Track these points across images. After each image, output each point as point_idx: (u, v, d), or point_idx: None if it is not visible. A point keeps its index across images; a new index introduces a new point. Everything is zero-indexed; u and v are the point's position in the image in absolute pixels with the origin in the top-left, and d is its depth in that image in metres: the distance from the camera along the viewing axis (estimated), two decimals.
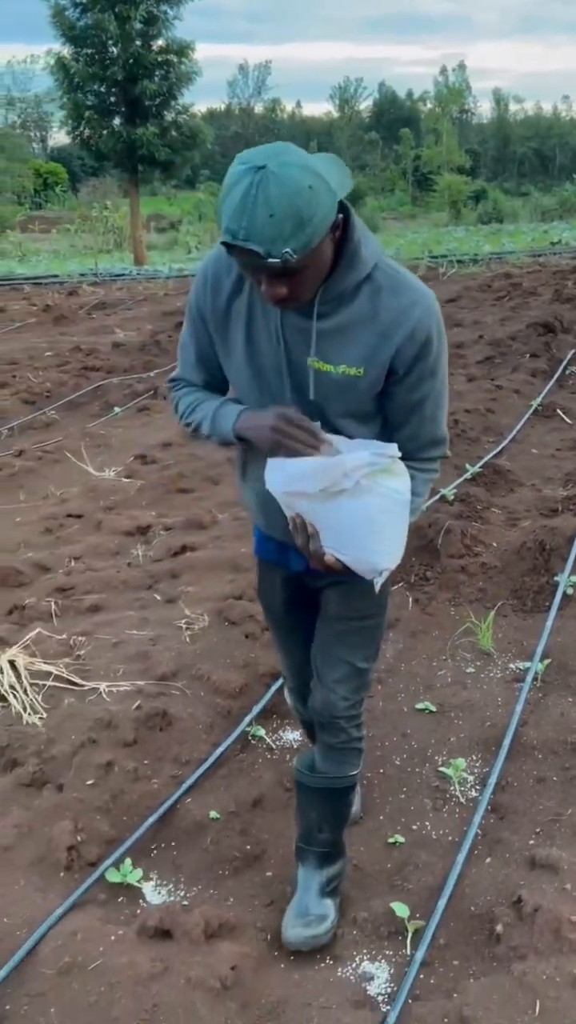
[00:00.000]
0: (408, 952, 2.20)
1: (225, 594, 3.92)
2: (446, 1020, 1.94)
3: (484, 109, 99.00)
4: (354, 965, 2.20)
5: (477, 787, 2.84)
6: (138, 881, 2.44)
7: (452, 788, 2.84)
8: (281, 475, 1.80)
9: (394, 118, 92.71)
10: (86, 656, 3.52)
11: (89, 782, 2.72)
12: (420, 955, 2.14)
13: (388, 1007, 2.02)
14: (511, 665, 3.56)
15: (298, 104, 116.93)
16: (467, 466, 5.35)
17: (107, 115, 26.80)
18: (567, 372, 7.72)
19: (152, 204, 49.12)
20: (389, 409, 1.90)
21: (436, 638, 3.81)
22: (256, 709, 3.18)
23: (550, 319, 9.00)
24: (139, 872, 2.45)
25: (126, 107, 26.65)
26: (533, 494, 5.14)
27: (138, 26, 25.86)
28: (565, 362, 7.89)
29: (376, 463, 1.76)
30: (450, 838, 2.62)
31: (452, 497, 4.81)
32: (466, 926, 2.26)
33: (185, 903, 2.37)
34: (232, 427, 1.88)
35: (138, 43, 26.08)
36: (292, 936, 2.22)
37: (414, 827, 2.69)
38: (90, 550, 4.73)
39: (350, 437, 1.85)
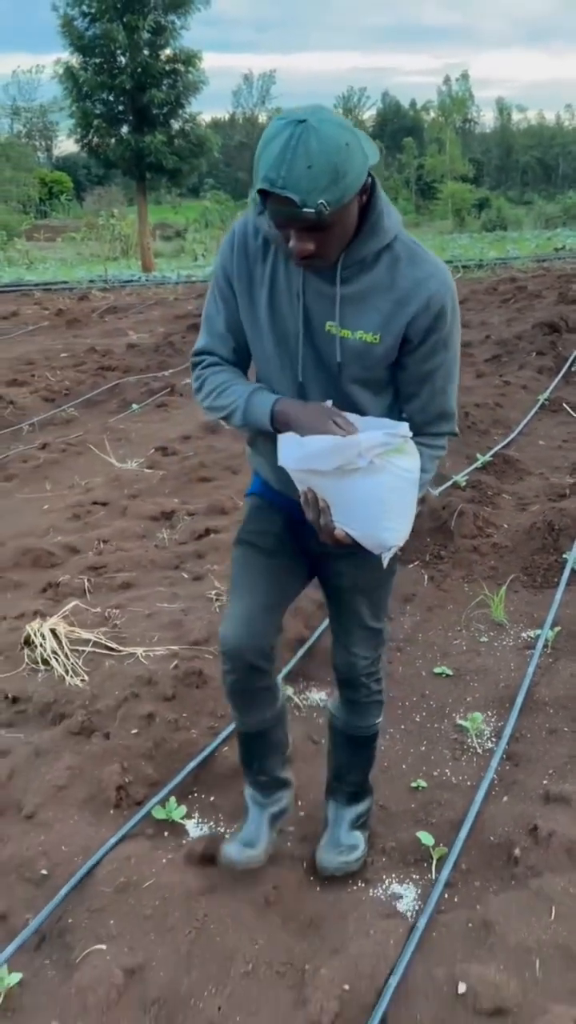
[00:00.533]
0: (433, 876, 2.40)
1: None
2: (470, 925, 2.15)
3: (487, 118, 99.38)
4: (384, 887, 2.40)
5: (493, 739, 3.05)
6: (181, 818, 2.64)
7: (469, 740, 3.04)
8: (297, 452, 1.84)
9: (398, 127, 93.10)
10: (122, 625, 3.73)
11: (133, 731, 2.93)
12: (444, 876, 2.35)
13: (416, 918, 2.22)
14: (522, 634, 3.76)
15: None
16: (478, 456, 5.56)
17: (115, 123, 27.11)
18: (573, 369, 7.94)
19: (157, 213, 49.36)
20: (401, 380, 1.95)
21: (451, 611, 4.01)
22: (284, 671, 3.39)
23: (555, 319, 9.22)
24: (183, 810, 2.65)
25: (134, 115, 26.95)
26: (541, 481, 5.35)
27: (146, 36, 26.18)
28: (571, 360, 8.11)
29: (389, 443, 1.80)
30: (469, 783, 2.82)
31: (464, 483, 5.02)
32: (486, 853, 2.47)
33: (227, 836, 2.58)
34: (269, 414, 1.90)
35: (146, 52, 26.38)
36: (327, 862, 2.41)
37: (435, 773, 2.89)
38: (117, 534, 4.94)
39: (363, 407, 1.92)
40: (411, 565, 4.34)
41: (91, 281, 21.26)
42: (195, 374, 2.07)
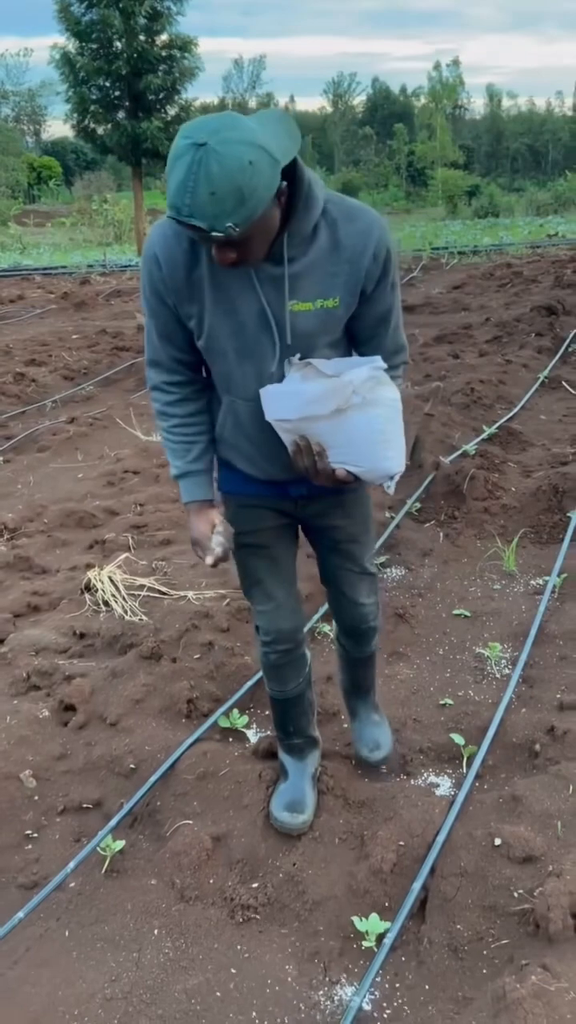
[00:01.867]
0: (464, 770, 2.80)
1: None
2: (501, 800, 2.56)
3: (477, 105, 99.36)
4: (423, 779, 2.81)
5: (509, 666, 3.46)
6: (243, 727, 3.04)
7: (489, 667, 3.45)
8: (294, 402, 1.89)
9: (388, 113, 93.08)
10: (170, 574, 4.12)
11: (196, 656, 3.33)
12: (475, 768, 2.75)
13: (455, 796, 2.63)
14: (531, 582, 4.17)
15: (291, 99, 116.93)
16: (484, 427, 5.96)
17: (112, 109, 27.28)
18: (570, 349, 8.34)
19: (147, 198, 49.26)
20: (358, 327, 2.02)
21: (465, 564, 4.42)
22: (321, 611, 3.78)
23: (552, 303, 9.62)
24: (245, 719, 3.05)
25: (130, 101, 27.12)
26: (544, 452, 5.75)
27: (142, 21, 26.36)
28: (568, 340, 8.51)
29: (375, 376, 1.89)
30: (490, 700, 3.23)
31: (473, 452, 5.41)
32: (510, 751, 2.88)
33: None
34: (184, 502, 2.19)
35: (142, 38, 26.54)
36: (377, 757, 2.79)
37: (459, 694, 3.30)
38: (152, 498, 5.32)
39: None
40: (427, 524, 4.75)
41: (90, 266, 21.50)
42: (153, 397, 2.18)
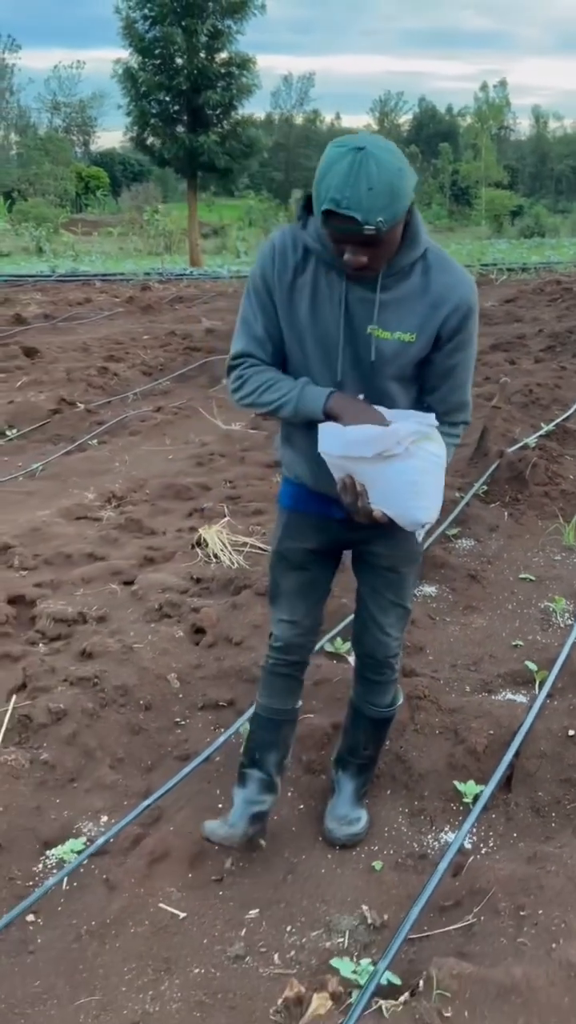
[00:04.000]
0: (537, 690, 3.33)
1: None
2: (571, 707, 3.08)
3: (523, 125, 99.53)
4: (503, 695, 3.34)
5: (572, 619, 3.97)
6: (345, 652, 3.58)
7: (554, 618, 3.97)
8: (340, 440, 2.01)
9: (433, 132, 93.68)
10: (267, 534, 4.68)
11: None
12: (547, 687, 3.27)
13: (532, 703, 3.15)
14: None
15: (337, 116, 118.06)
16: (542, 424, 6.49)
17: (170, 123, 28.16)
18: None
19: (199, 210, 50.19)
20: (427, 374, 2.15)
21: (528, 540, 4.94)
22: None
23: None
24: (347, 646, 3.59)
25: (189, 116, 28.00)
26: None
27: (204, 39, 27.24)
28: None
29: (421, 431, 2.01)
30: (556, 643, 3.75)
31: (534, 445, 5.94)
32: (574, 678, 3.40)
33: None
34: (323, 405, 2.07)
35: (203, 55, 27.43)
36: (337, 833, 2.61)
37: (528, 638, 3.82)
38: (240, 476, 5.90)
39: (393, 399, 2.11)
40: (492, 505, 5.27)
41: (146, 273, 22.24)
42: (235, 375, 2.20)
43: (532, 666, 3.42)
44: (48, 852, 2.58)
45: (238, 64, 27.89)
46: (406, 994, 1.92)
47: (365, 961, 2.11)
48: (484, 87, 73.26)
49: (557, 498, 5.31)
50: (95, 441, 7.04)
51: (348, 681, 3.20)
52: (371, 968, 2.05)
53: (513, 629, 3.92)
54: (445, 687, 3.37)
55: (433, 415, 2.07)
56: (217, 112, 28.09)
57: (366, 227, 1.80)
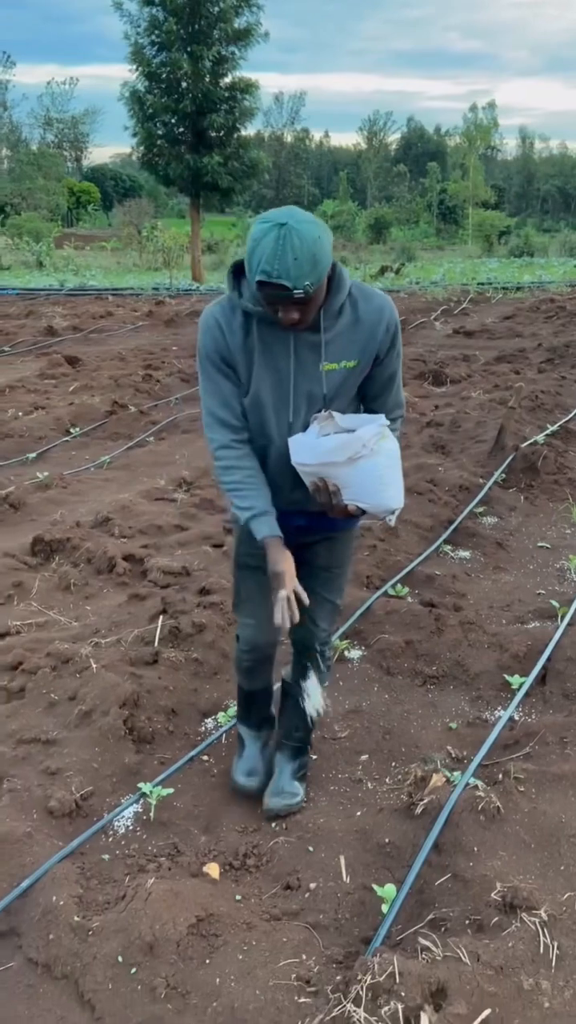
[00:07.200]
0: (559, 622, 4.24)
1: (418, 479, 5.97)
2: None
3: (509, 146, 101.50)
4: (532, 624, 4.25)
5: None
6: (405, 595, 4.49)
7: (570, 574, 4.91)
8: (313, 452, 2.32)
9: (421, 151, 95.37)
10: None
11: (366, 554, 4.81)
12: (568, 616, 4.19)
13: (553, 633, 4.07)
14: None
15: (326, 134, 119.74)
16: (548, 426, 7.45)
17: (176, 144, 29.16)
18: None
19: (183, 226, 50.78)
20: (369, 387, 2.47)
21: (542, 518, 5.88)
22: (444, 535, 5.23)
23: None
24: (406, 590, 4.51)
25: (193, 137, 29.02)
26: None
27: (208, 64, 28.29)
28: None
29: (380, 432, 2.30)
30: (572, 592, 4.67)
31: (543, 442, 6.89)
32: None
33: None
34: (259, 539, 2.40)
35: (207, 80, 28.47)
36: (273, 804, 2.90)
37: (549, 588, 4.75)
38: None
39: (344, 413, 2.41)
40: (510, 490, 6.22)
41: (155, 288, 23.15)
42: (218, 466, 2.46)
43: (555, 603, 4.35)
44: (206, 720, 3.48)
45: (241, 89, 28.94)
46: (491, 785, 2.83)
47: (455, 773, 3.02)
48: (474, 108, 74.57)
49: (565, 485, 6.26)
50: (151, 438, 7.94)
51: (412, 611, 4.13)
52: (460, 776, 2.96)
53: (535, 583, 4.85)
54: (487, 620, 4.29)
55: (383, 415, 2.39)
56: (220, 134, 29.11)
57: (295, 291, 2.08)
